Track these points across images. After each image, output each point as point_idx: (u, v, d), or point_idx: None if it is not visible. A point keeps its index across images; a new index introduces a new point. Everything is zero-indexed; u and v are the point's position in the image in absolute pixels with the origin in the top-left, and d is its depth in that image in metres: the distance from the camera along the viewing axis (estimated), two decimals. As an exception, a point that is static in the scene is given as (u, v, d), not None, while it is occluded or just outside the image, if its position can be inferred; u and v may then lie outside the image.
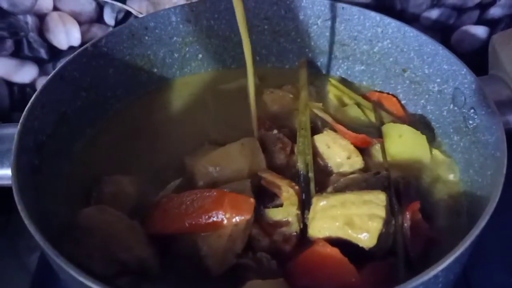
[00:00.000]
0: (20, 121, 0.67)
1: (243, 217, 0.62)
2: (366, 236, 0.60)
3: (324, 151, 0.74)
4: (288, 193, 0.66)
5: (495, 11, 0.97)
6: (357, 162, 0.73)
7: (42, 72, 0.97)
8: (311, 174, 0.70)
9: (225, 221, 0.61)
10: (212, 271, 0.62)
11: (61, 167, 0.73)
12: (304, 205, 0.67)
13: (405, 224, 0.65)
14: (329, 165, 0.74)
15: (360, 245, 0.61)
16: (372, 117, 0.81)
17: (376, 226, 0.60)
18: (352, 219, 0.61)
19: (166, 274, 0.64)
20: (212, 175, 0.70)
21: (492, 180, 0.64)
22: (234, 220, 0.61)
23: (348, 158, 0.73)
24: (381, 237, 0.61)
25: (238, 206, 0.62)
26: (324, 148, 0.74)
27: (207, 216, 0.62)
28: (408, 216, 0.65)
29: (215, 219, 0.61)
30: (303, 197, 0.68)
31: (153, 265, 0.63)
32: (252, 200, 0.63)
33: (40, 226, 0.57)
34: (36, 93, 0.70)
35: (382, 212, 0.61)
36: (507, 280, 0.77)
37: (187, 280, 0.63)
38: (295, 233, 0.65)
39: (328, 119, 0.77)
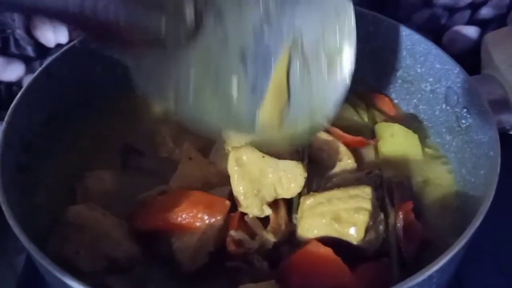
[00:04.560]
0: (5, 118, 0.66)
1: (214, 218, 0.62)
2: (353, 230, 0.60)
3: (316, 154, 0.74)
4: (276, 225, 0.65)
5: (486, 11, 0.97)
6: (349, 164, 0.73)
7: (29, 70, 0.95)
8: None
9: (198, 221, 0.62)
10: (184, 267, 0.62)
11: (49, 165, 0.72)
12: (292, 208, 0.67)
13: (398, 224, 0.64)
14: (321, 167, 0.73)
15: (348, 240, 0.61)
16: (365, 116, 0.81)
17: (362, 218, 0.60)
18: (339, 214, 0.61)
19: (154, 273, 0.63)
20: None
21: (485, 179, 0.64)
22: (207, 220, 0.62)
23: (340, 160, 0.73)
24: (369, 231, 0.61)
25: (212, 207, 0.63)
26: (316, 150, 0.74)
27: (183, 215, 0.62)
28: (401, 216, 0.64)
29: (189, 218, 0.62)
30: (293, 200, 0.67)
31: (141, 261, 0.63)
32: (227, 202, 0.63)
33: (26, 226, 0.56)
34: (21, 90, 0.69)
35: (368, 205, 0.61)
36: (499, 280, 0.77)
37: (178, 284, 0.63)
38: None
39: None
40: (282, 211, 0.65)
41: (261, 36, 0.60)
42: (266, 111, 0.61)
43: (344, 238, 0.61)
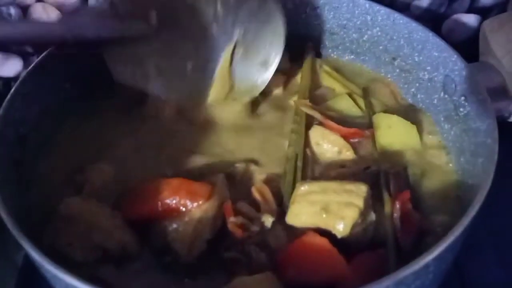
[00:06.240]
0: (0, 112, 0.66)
1: (197, 203, 0.63)
2: (340, 224, 0.60)
3: (315, 148, 0.73)
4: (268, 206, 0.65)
5: (486, -1, 0.96)
6: (349, 156, 0.72)
7: (27, 65, 0.95)
8: (299, 163, 0.70)
9: (181, 207, 0.63)
10: (181, 257, 0.62)
11: (45, 158, 0.72)
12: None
13: (395, 214, 0.63)
14: (320, 161, 0.73)
15: (333, 232, 0.60)
16: (363, 106, 0.79)
17: (351, 214, 0.60)
18: (330, 205, 0.61)
19: (150, 266, 0.63)
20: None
21: (483, 167, 0.63)
22: (189, 205, 0.63)
23: (339, 153, 0.72)
24: (355, 228, 0.60)
25: (193, 192, 0.64)
26: (314, 145, 0.73)
27: (166, 201, 0.63)
28: (397, 205, 0.64)
29: (172, 205, 0.63)
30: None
31: (135, 251, 0.63)
32: (208, 186, 0.64)
33: (21, 220, 0.56)
34: (16, 84, 0.69)
35: (359, 202, 0.60)
36: (499, 272, 0.76)
37: (173, 276, 0.62)
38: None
39: (317, 115, 0.75)
40: (268, 195, 0.66)
41: (211, 33, 0.77)
42: (215, 93, 0.78)
43: (329, 229, 0.60)
